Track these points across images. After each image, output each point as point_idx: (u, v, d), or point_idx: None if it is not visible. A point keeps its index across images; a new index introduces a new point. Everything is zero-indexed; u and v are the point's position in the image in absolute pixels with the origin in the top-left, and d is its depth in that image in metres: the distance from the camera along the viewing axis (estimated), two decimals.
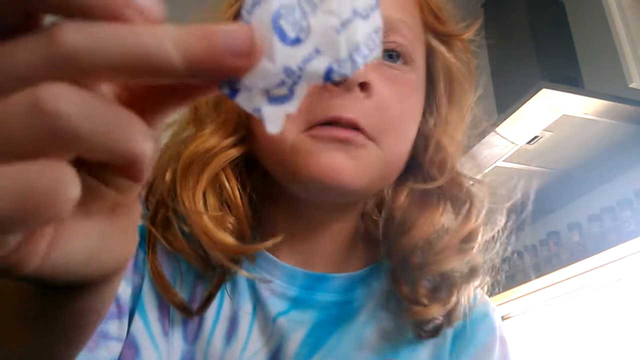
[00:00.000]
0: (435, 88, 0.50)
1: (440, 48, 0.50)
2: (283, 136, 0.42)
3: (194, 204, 0.43)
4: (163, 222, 0.46)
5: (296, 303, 0.48)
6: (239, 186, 0.46)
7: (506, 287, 1.89)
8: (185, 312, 0.45)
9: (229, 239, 0.43)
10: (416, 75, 0.47)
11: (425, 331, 0.48)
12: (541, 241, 1.85)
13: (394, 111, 0.44)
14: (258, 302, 0.48)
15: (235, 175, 0.46)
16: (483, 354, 0.51)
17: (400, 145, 0.46)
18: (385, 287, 0.50)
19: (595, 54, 1.84)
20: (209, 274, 0.46)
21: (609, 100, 1.49)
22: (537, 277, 1.77)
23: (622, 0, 1.51)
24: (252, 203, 0.47)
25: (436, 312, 0.47)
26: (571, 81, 1.77)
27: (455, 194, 0.48)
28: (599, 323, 1.78)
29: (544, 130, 1.58)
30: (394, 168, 0.47)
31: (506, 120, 1.56)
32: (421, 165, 0.49)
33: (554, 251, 1.79)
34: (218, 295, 0.46)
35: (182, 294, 0.46)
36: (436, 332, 0.48)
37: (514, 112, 1.53)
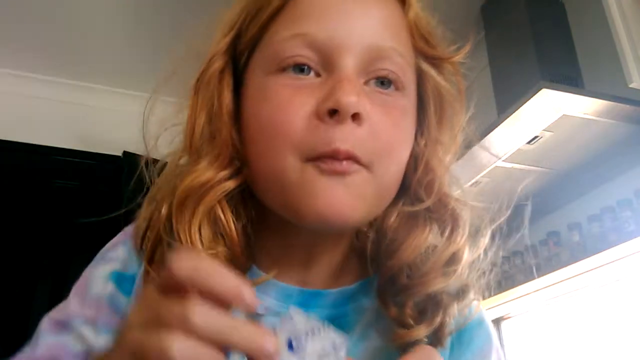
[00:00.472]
0: (426, 110, 0.52)
1: (431, 71, 0.51)
2: (283, 169, 0.44)
3: (189, 238, 0.44)
4: (160, 260, 0.47)
5: None
6: (234, 218, 0.47)
7: (506, 287, 1.89)
8: None
9: None
10: (407, 100, 0.48)
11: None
12: (541, 241, 1.85)
13: (386, 136, 0.46)
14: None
15: (230, 207, 0.47)
16: None
17: (393, 169, 0.47)
18: (375, 305, 0.51)
19: (595, 54, 1.83)
20: None
21: (609, 100, 1.49)
22: (537, 277, 1.76)
23: (622, 0, 1.51)
24: (246, 233, 0.48)
25: (421, 334, 0.47)
26: (571, 81, 1.77)
27: (441, 216, 0.49)
28: (599, 323, 1.78)
29: (544, 130, 1.57)
30: (388, 192, 0.48)
31: (506, 120, 1.56)
32: (409, 186, 0.50)
33: (554, 251, 1.79)
34: None
35: None
36: None
37: (514, 112, 1.52)
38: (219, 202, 0.46)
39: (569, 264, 1.64)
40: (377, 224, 0.52)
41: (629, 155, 1.65)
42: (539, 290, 1.86)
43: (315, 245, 0.50)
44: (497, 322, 2.26)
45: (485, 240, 0.50)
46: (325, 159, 0.43)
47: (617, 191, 1.66)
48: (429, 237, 0.49)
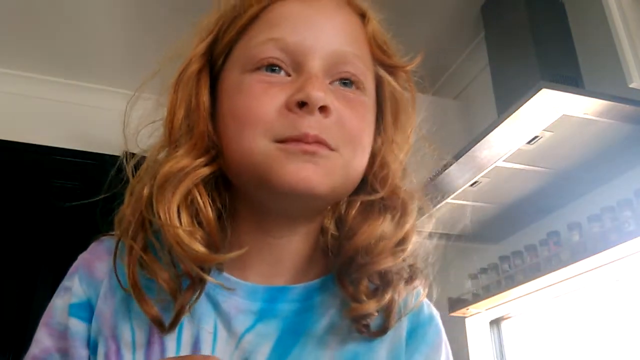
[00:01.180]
0: (383, 112, 0.58)
1: (387, 78, 0.57)
2: (255, 149, 0.48)
3: (168, 216, 0.48)
4: (142, 243, 0.50)
5: (261, 315, 0.52)
6: (210, 202, 0.50)
7: (506, 287, 1.89)
8: (160, 327, 0.49)
9: (200, 248, 0.48)
10: (368, 99, 0.54)
11: (364, 326, 0.53)
12: (541, 241, 1.85)
13: (350, 125, 0.51)
14: (222, 321, 0.51)
15: (207, 192, 0.51)
16: (433, 353, 0.58)
17: (358, 155, 0.52)
18: (340, 293, 0.55)
19: (595, 54, 1.83)
20: (177, 296, 0.49)
21: (609, 100, 1.48)
22: (537, 277, 1.76)
23: (622, 0, 1.51)
24: (220, 220, 0.52)
25: (372, 308, 0.53)
26: (571, 81, 1.77)
27: (393, 204, 0.55)
28: (599, 323, 1.78)
29: (544, 130, 1.57)
30: (354, 175, 0.53)
31: (506, 120, 1.56)
32: (367, 180, 0.56)
33: (554, 251, 1.79)
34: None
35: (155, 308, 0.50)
36: (381, 331, 0.54)
37: (514, 112, 1.52)
38: (196, 186, 0.50)
39: (569, 264, 1.64)
40: (338, 216, 0.58)
41: (629, 155, 1.65)
42: (539, 290, 1.86)
43: (283, 234, 0.54)
44: (497, 322, 2.26)
45: (430, 226, 0.57)
46: (293, 142, 0.48)
47: (617, 191, 1.66)
48: (383, 224, 0.54)
